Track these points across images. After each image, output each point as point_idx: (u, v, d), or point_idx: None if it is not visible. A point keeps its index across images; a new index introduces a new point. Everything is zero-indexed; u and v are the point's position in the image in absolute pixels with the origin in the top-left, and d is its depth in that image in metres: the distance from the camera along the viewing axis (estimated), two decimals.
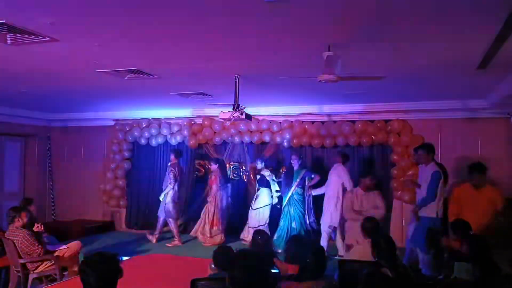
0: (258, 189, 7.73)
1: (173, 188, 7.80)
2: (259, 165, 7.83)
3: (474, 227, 4.45)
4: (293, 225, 7.21)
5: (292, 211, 7.29)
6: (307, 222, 7.26)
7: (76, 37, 3.96)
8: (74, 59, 4.76)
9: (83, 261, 2.68)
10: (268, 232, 6.50)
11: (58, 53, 4.46)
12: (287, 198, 7.35)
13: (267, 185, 7.69)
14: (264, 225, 7.47)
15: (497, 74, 5.10)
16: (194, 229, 7.98)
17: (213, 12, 3.26)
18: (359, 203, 5.99)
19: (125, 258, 6.49)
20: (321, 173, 7.34)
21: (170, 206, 7.78)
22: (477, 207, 5.14)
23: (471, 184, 5.35)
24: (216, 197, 7.74)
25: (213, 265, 3.73)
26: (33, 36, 3.84)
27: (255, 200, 7.70)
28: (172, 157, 8.05)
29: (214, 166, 7.83)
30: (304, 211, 7.30)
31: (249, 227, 7.62)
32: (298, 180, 7.30)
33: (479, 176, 5.30)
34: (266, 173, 7.74)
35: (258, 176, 7.83)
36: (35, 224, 5.49)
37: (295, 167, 7.38)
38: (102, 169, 9.52)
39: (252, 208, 7.67)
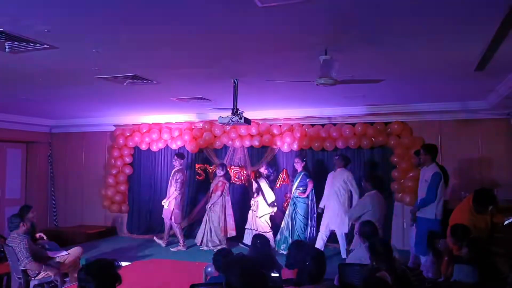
0: (257, 196, 7.72)
1: (179, 194, 7.73)
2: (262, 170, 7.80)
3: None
4: (296, 229, 7.20)
5: (292, 215, 7.27)
6: (308, 228, 7.24)
7: (75, 44, 3.98)
8: (73, 66, 4.78)
9: (81, 268, 2.68)
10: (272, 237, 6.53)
11: (57, 60, 4.48)
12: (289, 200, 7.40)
13: (262, 194, 7.66)
14: (268, 232, 7.45)
15: (496, 75, 5.09)
16: (199, 239, 7.63)
17: (211, 16, 3.27)
18: None
19: (126, 263, 6.49)
20: (322, 177, 7.33)
21: (177, 211, 7.74)
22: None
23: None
24: (226, 203, 7.65)
25: (209, 269, 3.72)
26: (31, 44, 3.87)
27: (256, 207, 7.68)
28: (178, 162, 7.86)
29: (221, 172, 7.68)
30: (307, 216, 7.27)
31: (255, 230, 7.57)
32: (297, 182, 7.31)
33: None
34: (262, 182, 7.71)
35: (255, 185, 7.77)
36: (38, 233, 5.52)
37: (298, 170, 7.38)
38: (103, 174, 9.54)
39: (257, 216, 7.65)
